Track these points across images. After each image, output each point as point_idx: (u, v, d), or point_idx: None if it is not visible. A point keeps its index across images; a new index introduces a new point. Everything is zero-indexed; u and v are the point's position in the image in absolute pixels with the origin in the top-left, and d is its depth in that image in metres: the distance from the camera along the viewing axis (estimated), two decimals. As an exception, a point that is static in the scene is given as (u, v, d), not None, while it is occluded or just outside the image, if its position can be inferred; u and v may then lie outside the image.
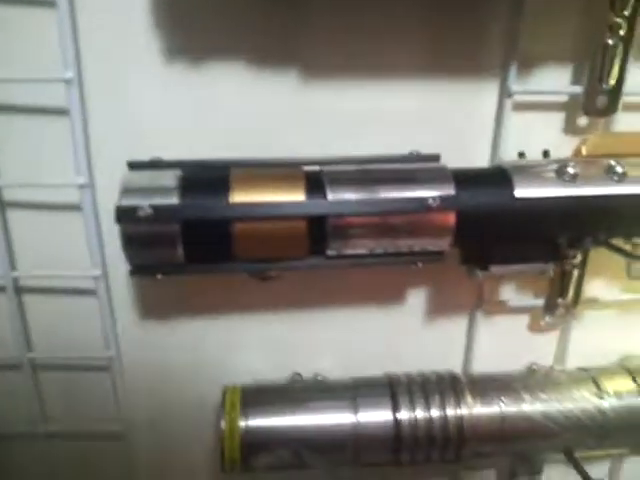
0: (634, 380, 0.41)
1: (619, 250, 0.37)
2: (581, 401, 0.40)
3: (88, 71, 0.34)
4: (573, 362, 0.45)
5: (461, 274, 0.41)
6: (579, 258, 0.40)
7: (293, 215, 0.32)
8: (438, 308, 0.44)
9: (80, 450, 0.44)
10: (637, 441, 0.40)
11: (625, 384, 0.40)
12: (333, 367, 0.43)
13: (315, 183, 0.32)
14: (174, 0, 0.33)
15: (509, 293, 0.44)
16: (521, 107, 0.39)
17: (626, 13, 0.35)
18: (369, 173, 0.33)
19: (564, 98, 0.39)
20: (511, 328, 0.45)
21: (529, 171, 0.34)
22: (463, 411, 0.38)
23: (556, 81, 0.38)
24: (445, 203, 0.32)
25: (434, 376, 0.40)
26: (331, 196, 0.32)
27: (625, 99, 0.38)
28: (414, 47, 0.37)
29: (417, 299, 0.43)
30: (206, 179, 0.33)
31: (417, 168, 0.34)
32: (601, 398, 0.40)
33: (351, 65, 0.36)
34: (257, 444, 0.37)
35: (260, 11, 0.34)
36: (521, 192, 0.34)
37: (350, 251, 0.34)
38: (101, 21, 0.33)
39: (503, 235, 0.34)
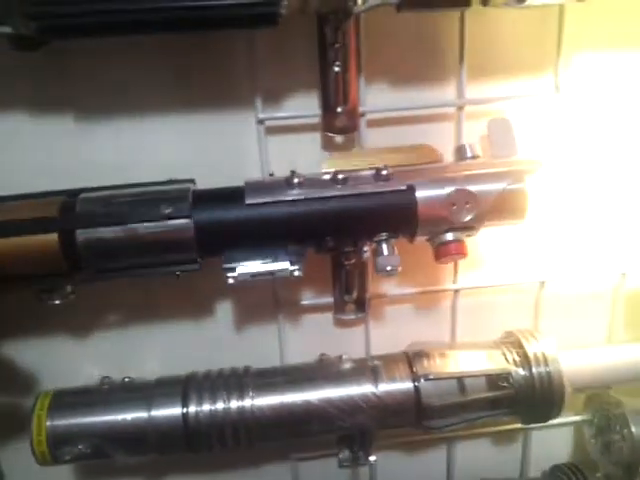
0: (409, 365, 0.45)
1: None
2: (359, 387, 0.44)
3: None
4: (376, 351, 0.50)
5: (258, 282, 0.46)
6: (353, 260, 0.46)
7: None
8: (247, 315, 0.49)
9: None
10: (411, 419, 0.44)
11: (400, 369, 0.45)
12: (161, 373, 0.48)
13: (70, 208, 0.38)
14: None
15: (305, 294, 0.49)
16: (283, 130, 0.44)
17: (337, 45, 0.40)
18: (119, 197, 0.39)
19: (317, 120, 0.44)
20: (320, 325, 0.50)
21: (262, 185, 0.40)
22: (245, 402, 0.43)
23: (307, 106, 0.44)
24: (179, 212, 0.38)
25: (228, 372, 0.45)
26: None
27: (369, 117, 0.44)
28: (174, 89, 0.43)
29: (225, 309, 0.49)
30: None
31: (161, 190, 0.39)
32: (376, 384, 0.44)
33: (123, 108, 0.43)
34: (61, 439, 0.42)
35: (27, 65, 0.40)
36: (250, 200, 0.39)
37: (110, 265, 0.39)
38: None
39: (241, 241, 0.39)
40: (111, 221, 0.37)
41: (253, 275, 0.40)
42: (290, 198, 0.39)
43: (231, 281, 0.40)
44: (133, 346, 0.48)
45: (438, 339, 0.50)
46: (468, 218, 0.40)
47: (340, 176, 0.40)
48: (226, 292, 0.48)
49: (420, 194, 0.40)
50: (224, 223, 0.39)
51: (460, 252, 0.42)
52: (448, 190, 0.40)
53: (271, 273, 0.40)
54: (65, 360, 0.48)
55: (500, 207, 0.41)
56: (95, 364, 0.48)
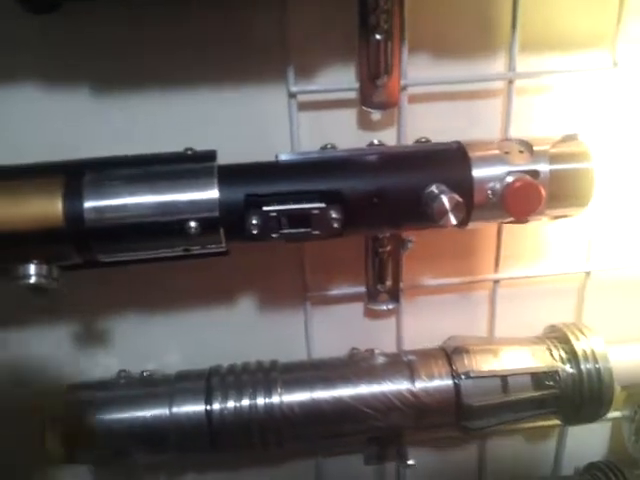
0: (448, 362, 0.42)
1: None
2: (394, 384, 0.41)
3: None
4: (409, 345, 0.47)
5: (285, 268, 0.43)
6: (388, 247, 0.42)
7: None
8: (273, 305, 0.46)
9: None
10: (450, 420, 0.41)
11: (438, 366, 0.42)
12: (182, 364, 0.45)
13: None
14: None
15: (334, 283, 0.45)
16: (317, 106, 0.40)
17: (379, 11, 0.36)
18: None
19: (353, 95, 0.40)
20: (349, 316, 0.47)
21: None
22: (273, 399, 0.40)
23: (342, 79, 0.40)
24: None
25: (254, 366, 0.42)
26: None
27: (410, 90, 0.40)
28: (199, 60, 0.39)
29: (250, 297, 0.46)
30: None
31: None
32: (413, 381, 0.41)
33: (144, 79, 0.39)
34: (77, 438, 0.39)
35: (42, 32, 0.37)
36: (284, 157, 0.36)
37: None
38: None
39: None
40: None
41: (281, 212, 0.33)
42: (328, 154, 0.36)
43: (254, 221, 0.33)
44: (152, 336, 0.45)
45: (475, 332, 0.47)
46: (525, 164, 0.35)
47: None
48: (251, 280, 0.45)
49: (468, 146, 0.36)
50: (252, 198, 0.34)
51: (529, 188, 0.34)
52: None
53: (302, 214, 0.33)
54: (80, 352, 0.45)
55: (562, 189, 0.37)
56: (113, 355, 0.45)
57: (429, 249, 0.44)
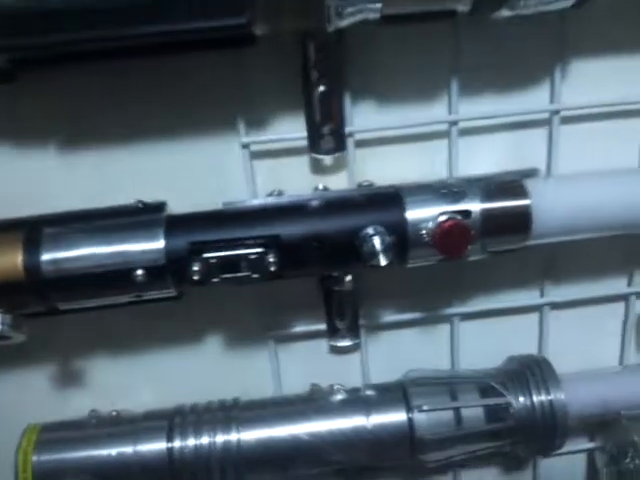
0: (404, 395, 0.43)
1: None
2: (350, 419, 0.42)
3: None
4: (375, 379, 0.48)
5: (249, 307, 0.45)
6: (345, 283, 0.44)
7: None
8: (237, 342, 0.47)
9: None
10: (405, 453, 0.42)
11: (394, 400, 0.43)
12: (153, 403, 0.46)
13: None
14: None
15: (298, 321, 0.47)
16: (270, 154, 0.43)
17: (319, 64, 0.39)
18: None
19: (304, 142, 0.42)
20: (315, 353, 0.48)
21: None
22: (231, 437, 0.42)
23: (293, 128, 0.42)
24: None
25: (216, 405, 0.44)
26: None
27: (357, 136, 0.42)
28: (159, 114, 0.41)
29: (217, 337, 0.47)
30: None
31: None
32: (368, 416, 0.42)
33: (104, 134, 0.41)
34: (47, 476, 0.41)
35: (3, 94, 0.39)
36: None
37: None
38: None
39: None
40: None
41: (220, 259, 0.35)
42: (270, 202, 0.39)
43: (196, 268, 0.35)
44: (123, 376, 0.47)
45: (439, 364, 0.48)
46: (457, 204, 0.37)
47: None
48: (217, 319, 0.46)
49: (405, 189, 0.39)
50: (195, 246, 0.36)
51: (457, 228, 0.36)
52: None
53: (240, 259, 0.36)
54: (54, 392, 0.47)
55: (497, 226, 0.38)
56: (86, 395, 0.47)
57: (390, 284, 0.46)
